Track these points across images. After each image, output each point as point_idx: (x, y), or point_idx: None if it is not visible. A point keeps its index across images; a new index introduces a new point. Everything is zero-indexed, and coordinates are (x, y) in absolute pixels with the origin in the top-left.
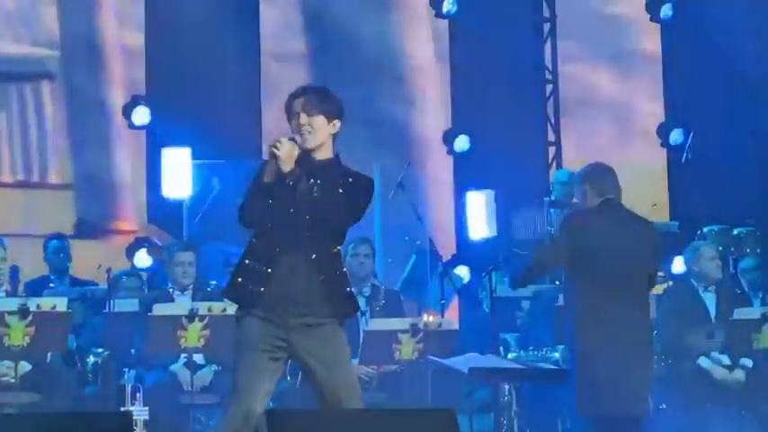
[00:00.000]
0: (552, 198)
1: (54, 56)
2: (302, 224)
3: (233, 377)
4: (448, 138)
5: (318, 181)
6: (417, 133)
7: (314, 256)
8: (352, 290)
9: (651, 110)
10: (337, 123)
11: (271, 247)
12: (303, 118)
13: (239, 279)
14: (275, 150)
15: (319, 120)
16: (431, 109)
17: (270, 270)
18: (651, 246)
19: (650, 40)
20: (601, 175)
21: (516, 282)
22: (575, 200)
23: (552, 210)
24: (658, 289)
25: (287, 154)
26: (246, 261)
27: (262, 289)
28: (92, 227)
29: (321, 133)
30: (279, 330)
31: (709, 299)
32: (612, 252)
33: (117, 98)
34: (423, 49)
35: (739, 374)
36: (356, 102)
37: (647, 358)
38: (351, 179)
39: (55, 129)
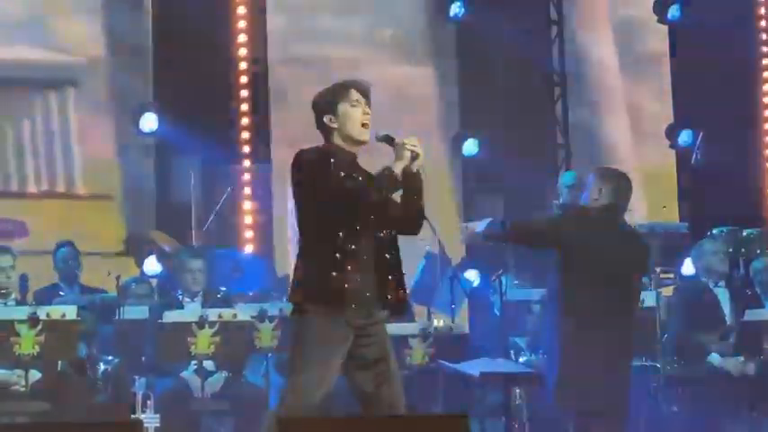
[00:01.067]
0: (560, 201)
1: (79, 62)
2: (372, 222)
3: (296, 372)
4: (457, 141)
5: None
6: (427, 137)
7: (387, 256)
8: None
9: (660, 111)
10: None
11: (348, 246)
12: (366, 108)
13: (313, 277)
14: (417, 149)
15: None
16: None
17: (350, 268)
18: (641, 259)
19: (658, 41)
20: (621, 181)
21: (500, 233)
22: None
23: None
24: (668, 290)
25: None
26: (317, 260)
27: (346, 285)
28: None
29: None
30: (347, 328)
31: (722, 295)
32: (603, 256)
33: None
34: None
35: (750, 368)
36: None
37: (626, 364)
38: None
39: (81, 136)
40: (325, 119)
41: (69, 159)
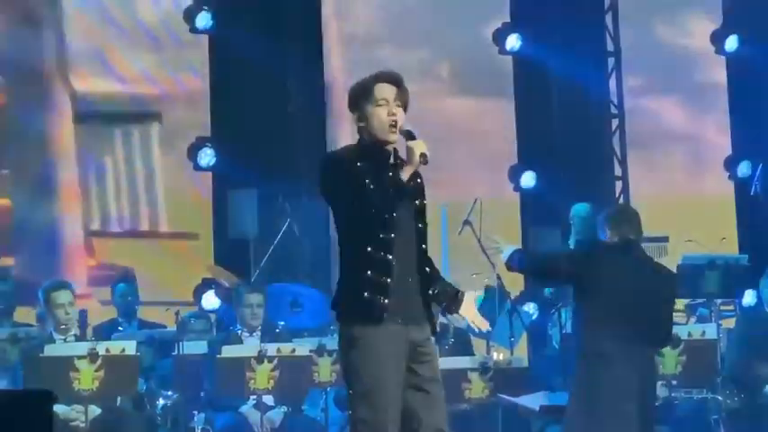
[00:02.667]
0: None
1: (159, 95)
2: (412, 231)
3: (369, 404)
4: (514, 174)
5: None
6: (484, 169)
7: (427, 269)
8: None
9: (720, 142)
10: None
11: (388, 257)
12: (393, 109)
13: (364, 293)
14: (424, 162)
15: (402, 113)
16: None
17: (390, 281)
18: (668, 292)
19: (718, 72)
20: (623, 216)
21: (517, 266)
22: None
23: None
24: (728, 322)
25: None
26: (368, 273)
27: (386, 301)
28: None
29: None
30: (404, 343)
31: None
32: (626, 292)
33: None
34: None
35: None
36: None
37: (650, 403)
38: (419, 179)
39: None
40: (354, 117)
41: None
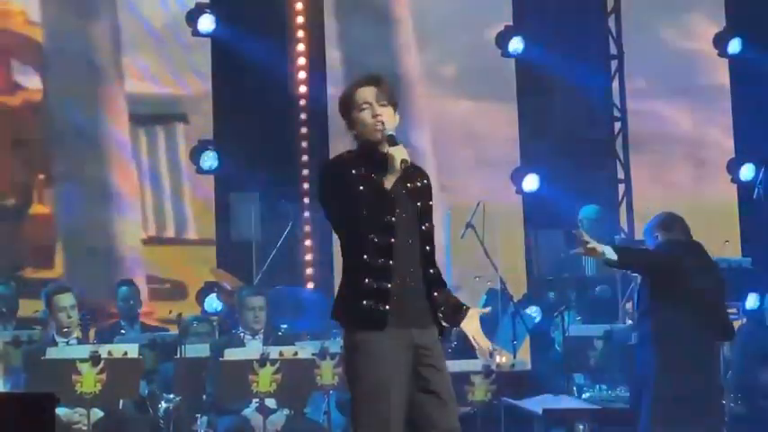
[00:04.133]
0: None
1: (186, 96)
2: (415, 234)
3: (370, 409)
4: (517, 177)
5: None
6: (486, 172)
7: (431, 271)
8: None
9: (723, 145)
10: (397, 116)
11: (388, 263)
12: (377, 109)
13: (363, 301)
14: (404, 165)
15: (390, 111)
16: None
17: (390, 286)
18: (723, 290)
19: (721, 75)
20: (673, 220)
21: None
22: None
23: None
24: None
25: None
26: (366, 281)
27: (387, 307)
28: None
29: (390, 126)
30: (407, 347)
31: None
32: (699, 287)
33: None
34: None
35: None
36: None
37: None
38: (425, 179)
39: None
40: (347, 128)
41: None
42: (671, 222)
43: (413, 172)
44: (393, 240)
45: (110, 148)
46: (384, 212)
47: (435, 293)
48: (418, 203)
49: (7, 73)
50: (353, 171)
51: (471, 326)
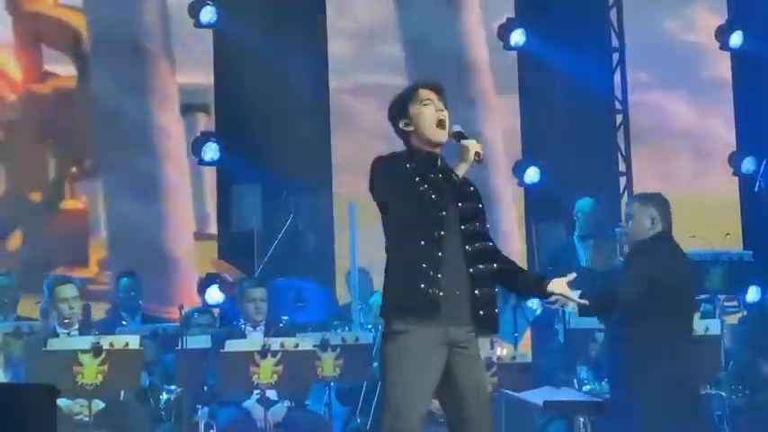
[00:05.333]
0: (580, 233)
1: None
2: (461, 236)
3: (397, 393)
4: (518, 169)
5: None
6: (489, 165)
7: (471, 270)
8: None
9: (724, 138)
10: None
11: (438, 254)
12: (440, 106)
13: (420, 284)
14: (477, 159)
15: (447, 116)
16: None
17: (440, 276)
18: (698, 281)
19: (723, 68)
20: (667, 205)
21: (595, 311)
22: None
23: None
24: (732, 318)
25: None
26: (423, 265)
27: (441, 293)
28: None
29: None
30: (442, 343)
31: None
32: (678, 284)
33: None
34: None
35: None
36: None
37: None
38: (474, 188)
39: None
40: (401, 124)
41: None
42: (666, 209)
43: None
44: (444, 233)
45: (158, 138)
46: (438, 209)
47: (476, 291)
48: (459, 204)
49: (37, 59)
50: (408, 165)
51: (561, 287)
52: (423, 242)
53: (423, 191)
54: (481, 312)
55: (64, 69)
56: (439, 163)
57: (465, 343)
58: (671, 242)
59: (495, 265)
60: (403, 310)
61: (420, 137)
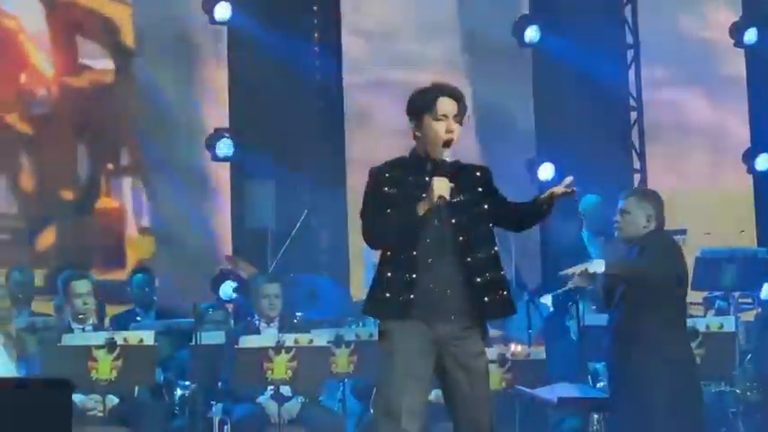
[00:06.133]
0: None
1: None
2: (450, 229)
3: (383, 392)
4: (532, 166)
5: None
6: (503, 161)
7: (468, 259)
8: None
9: (739, 135)
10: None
11: (414, 256)
12: (452, 125)
13: (386, 294)
14: (442, 202)
15: (459, 129)
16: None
17: (414, 277)
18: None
19: (738, 65)
20: (662, 203)
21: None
22: (617, 220)
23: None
24: (748, 315)
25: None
26: (389, 274)
27: (411, 296)
28: None
29: (455, 144)
30: (428, 340)
31: None
32: (680, 280)
33: None
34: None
35: None
36: None
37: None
38: (478, 173)
39: None
40: (411, 125)
41: None
42: (661, 206)
43: (458, 168)
44: (419, 233)
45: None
46: (404, 235)
47: (478, 279)
48: (453, 199)
49: (71, 51)
50: (386, 189)
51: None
52: (395, 250)
53: (393, 194)
54: (486, 299)
55: (100, 62)
56: (429, 167)
57: (459, 339)
58: (670, 236)
59: (496, 249)
60: (378, 312)
61: (423, 146)
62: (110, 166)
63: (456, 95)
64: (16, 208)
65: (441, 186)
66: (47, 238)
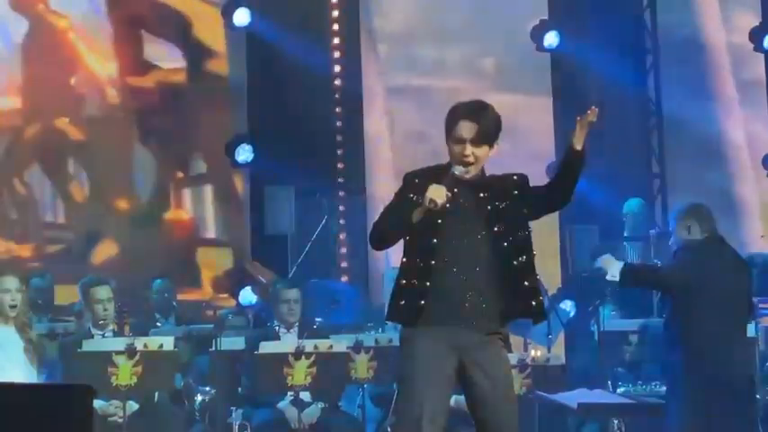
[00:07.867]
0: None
1: None
2: (475, 235)
3: (404, 398)
4: (550, 170)
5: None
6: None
7: (513, 263)
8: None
9: (759, 139)
10: (496, 147)
11: (430, 263)
12: (468, 149)
13: (401, 302)
14: (434, 207)
15: (484, 150)
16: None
17: (428, 284)
18: (749, 280)
19: (758, 69)
20: (706, 211)
21: (627, 280)
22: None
23: (627, 243)
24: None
25: (442, 202)
26: (403, 281)
27: (422, 302)
28: None
29: (482, 162)
30: (447, 346)
31: None
32: (720, 286)
33: None
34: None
35: None
36: None
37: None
38: (515, 178)
39: None
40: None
41: None
42: (700, 214)
43: (493, 179)
44: (436, 241)
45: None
46: (435, 216)
47: (526, 283)
48: (488, 206)
49: (136, 48)
50: (411, 196)
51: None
52: (407, 257)
53: (417, 201)
54: (533, 302)
55: (168, 60)
56: (457, 173)
57: (481, 345)
58: (714, 245)
59: (534, 254)
60: (399, 319)
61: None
62: (179, 174)
63: (476, 117)
64: (63, 217)
65: (434, 192)
66: (102, 252)
